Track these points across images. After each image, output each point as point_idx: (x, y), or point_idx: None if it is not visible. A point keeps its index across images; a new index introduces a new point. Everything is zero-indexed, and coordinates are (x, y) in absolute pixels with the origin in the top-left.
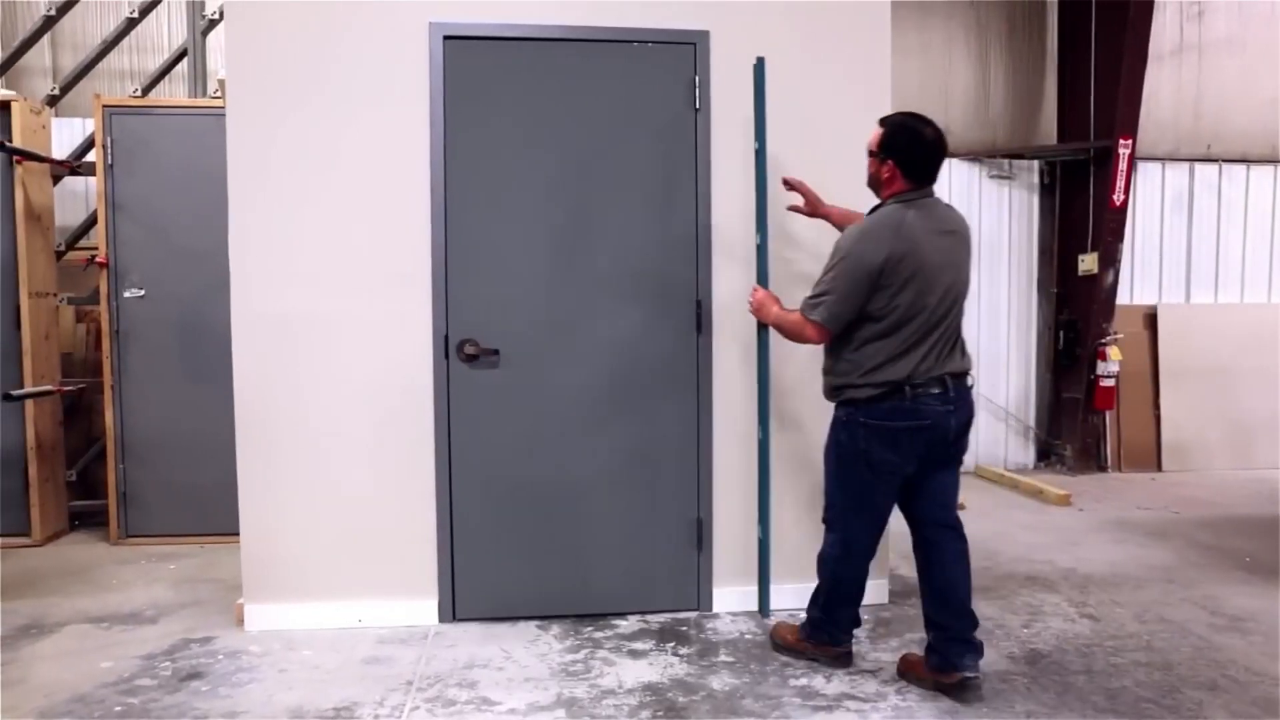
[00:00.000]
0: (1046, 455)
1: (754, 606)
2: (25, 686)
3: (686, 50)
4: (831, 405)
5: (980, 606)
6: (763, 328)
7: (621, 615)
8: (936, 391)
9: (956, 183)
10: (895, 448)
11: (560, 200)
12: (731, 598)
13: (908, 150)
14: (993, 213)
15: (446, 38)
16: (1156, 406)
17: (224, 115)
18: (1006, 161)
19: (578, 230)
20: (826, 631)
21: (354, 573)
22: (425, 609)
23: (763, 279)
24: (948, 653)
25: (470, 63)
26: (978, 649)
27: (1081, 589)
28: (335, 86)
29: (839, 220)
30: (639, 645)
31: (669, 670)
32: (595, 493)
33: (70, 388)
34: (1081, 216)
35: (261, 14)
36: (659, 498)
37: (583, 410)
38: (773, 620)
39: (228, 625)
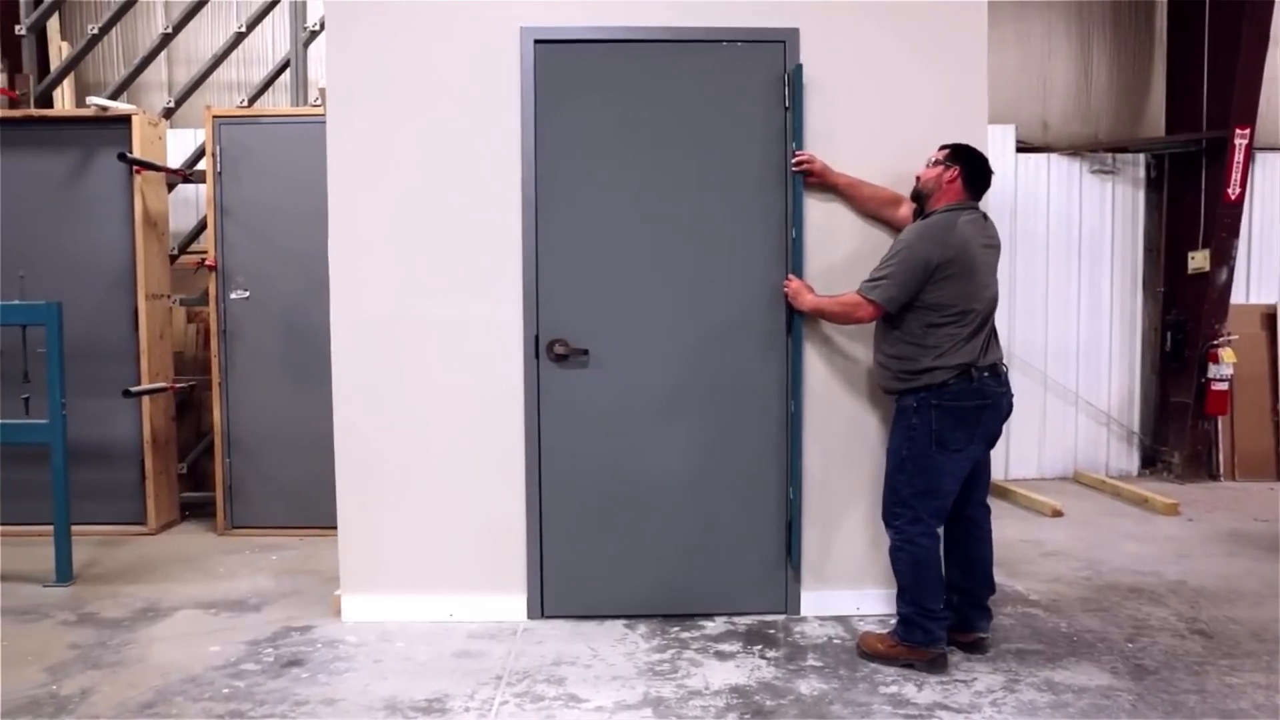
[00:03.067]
0: (1151, 462)
1: (844, 610)
2: (144, 666)
3: (776, 48)
4: (888, 400)
5: (1081, 618)
6: (794, 316)
7: (708, 616)
8: (990, 376)
9: (1055, 179)
10: (965, 426)
11: (648, 200)
12: (820, 601)
13: (975, 163)
14: (1094, 209)
15: (537, 41)
16: (1275, 412)
17: (324, 123)
18: (1109, 155)
19: (666, 230)
20: (921, 629)
21: (446, 568)
22: (514, 605)
23: (797, 270)
24: (970, 616)
25: (560, 66)
26: (990, 613)
27: (1192, 603)
28: (430, 93)
29: (845, 189)
30: (726, 647)
31: (756, 673)
32: (683, 493)
33: (182, 385)
34: (1192, 212)
35: (359, 25)
36: (748, 499)
37: (672, 410)
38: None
39: (326, 615)
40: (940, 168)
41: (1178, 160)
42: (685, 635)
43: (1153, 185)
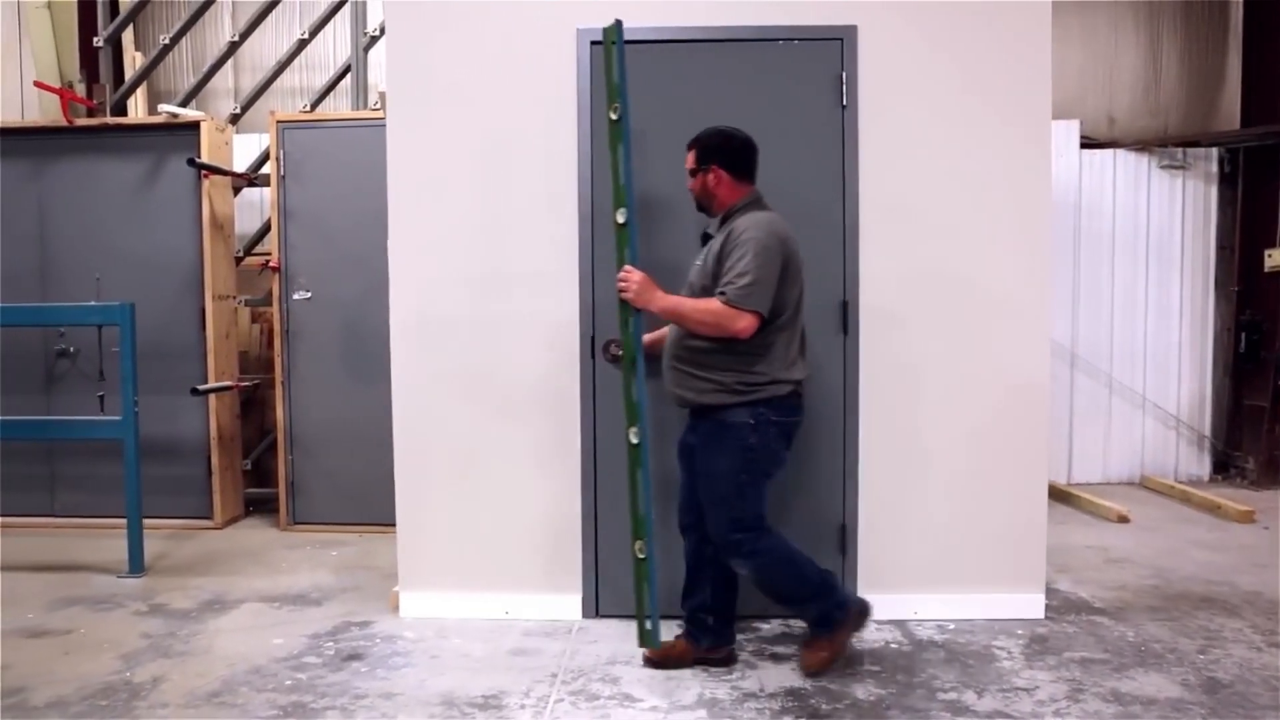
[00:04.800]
0: (1224, 467)
1: (901, 615)
2: (211, 656)
3: (833, 46)
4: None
5: (1148, 627)
6: (630, 315)
7: (763, 618)
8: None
9: (1122, 175)
10: (789, 444)
11: None
12: (876, 605)
13: (725, 151)
14: (1163, 206)
15: (593, 43)
16: None
17: (384, 126)
18: (1180, 150)
19: None
20: (834, 605)
21: (502, 566)
22: (569, 604)
23: (634, 260)
24: (724, 631)
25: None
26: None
27: (1269, 615)
28: (488, 95)
29: (665, 314)
30: (781, 649)
31: (811, 676)
32: None
33: (246, 383)
34: (1269, 207)
35: (418, 29)
36: (801, 501)
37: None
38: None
39: (384, 611)
40: (701, 175)
41: (1253, 154)
42: (740, 637)
43: (1226, 181)
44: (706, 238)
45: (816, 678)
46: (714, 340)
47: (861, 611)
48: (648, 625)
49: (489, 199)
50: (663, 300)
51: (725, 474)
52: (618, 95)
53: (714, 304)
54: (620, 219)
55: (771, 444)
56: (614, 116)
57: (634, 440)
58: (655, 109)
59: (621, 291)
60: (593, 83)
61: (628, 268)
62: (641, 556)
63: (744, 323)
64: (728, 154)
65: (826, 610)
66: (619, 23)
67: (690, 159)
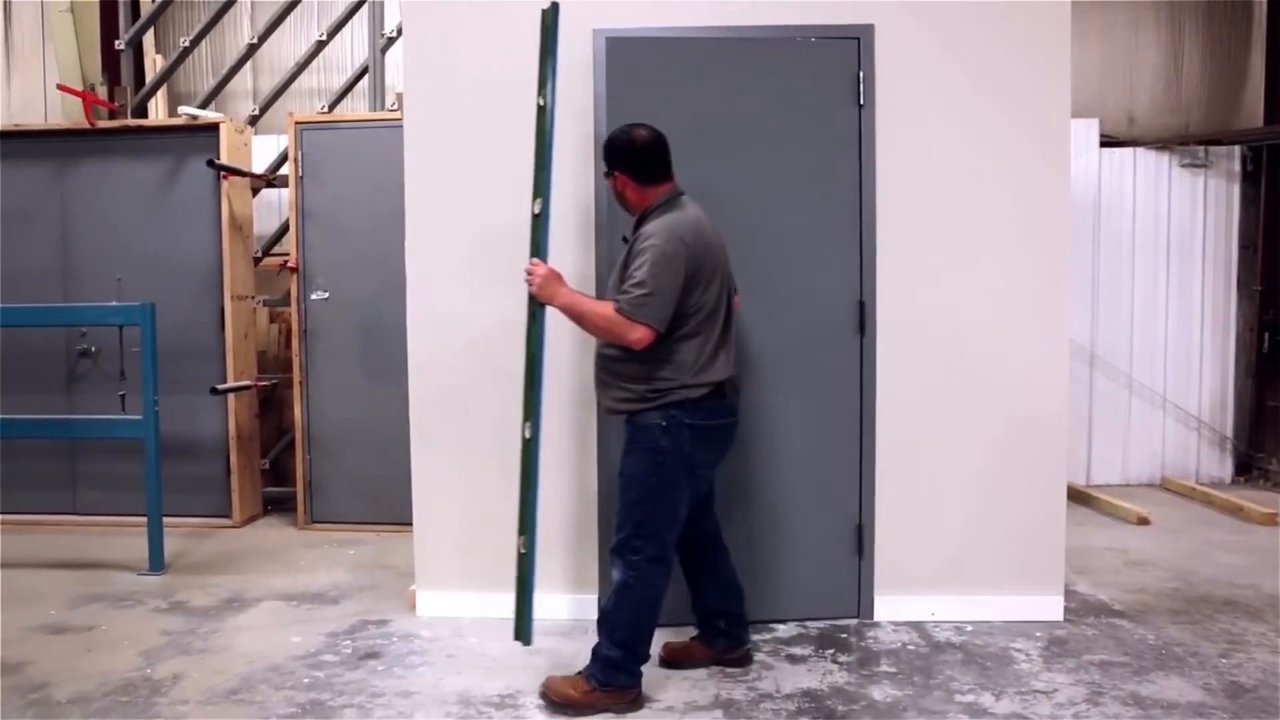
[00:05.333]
0: (1246, 469)
1: (919, 616)
2: (230, 654)
3: (850, 45)
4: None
5: (1169, 630)
6: (539, 309)
7: (781, 620)
8: (733, 391)
9: (1142, 174)
10: (714, 448)
11: (719, 198)
12: (894, 606)
13: (626, 155)
14: (1184, 205)
15: (609, 40)
16: None
17: (401, 127)
18: (1201, 148)
19: (737, 228)
20: (627, 672)
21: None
22: (586, 604)
23: (542, 253)
24: (739, 633)
25: (632, 69)
26: (747, 620)
27: None
28: (504, 96)
29: (566, 309)
30: (798, 650)
31: (828, 678)
32: (752, 496)
33: (265, 383)
34: None
35: (435, 30)
36: (818, 502)
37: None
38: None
39: (401, 610)
40: (610, 182)
41: (1277, 152)
42: (756, 638)
43: (1249, 179)
44: (625, 240)
45: (555, 707)
46: (622, 349)
47: (634, 702)
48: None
49: (505, 198)
50: (565, 296)
51: (636, 476)
52: (547, 82)
53: (609, 309)
54: (536, 209)
55: (684, 447)
56: (541, 103)
57: (527, 435)
58: (672, 109)
59: (527, 284)
60: (609, 82)
61: (534, 260)
62: (523, 552)
63: (636, 334)
64: (629, 159)
65: (625, 669)
66: (556, 6)
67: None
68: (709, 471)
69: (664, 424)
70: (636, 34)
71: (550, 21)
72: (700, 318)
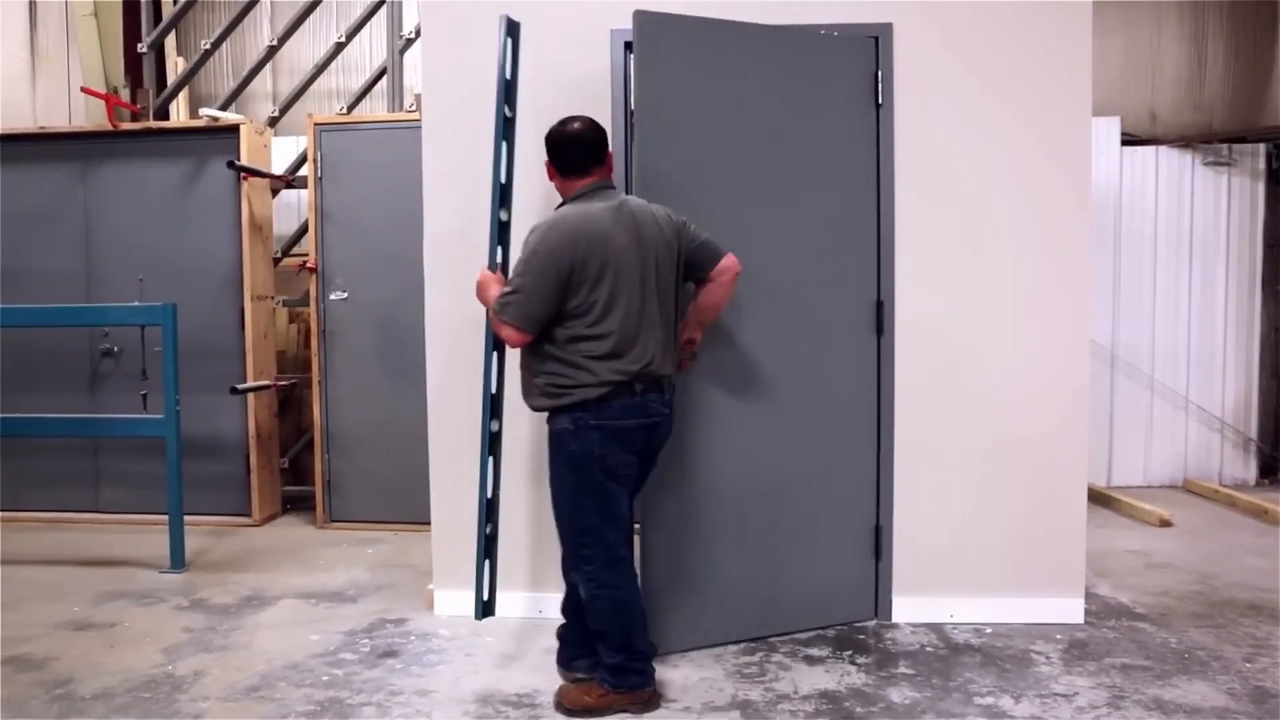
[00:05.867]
0: (1271, 471)
1: (938, 618)
2: (250, 651)
3: (868, 44)
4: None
5: (1192, 634)
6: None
7: (800, 626)
8: (653, 390)
9: (1164, 172)
10: (628, 448)
11: (736, 198)
12: (912, 607)
13: (551, 146)
14: (1207, 204)
15: (626, 44)
16: None
17: (419, 128)
18: (1225, 146)
19: (754, 229)
20: (636, 672)
21: (535, 566)
22: None
23: (493, 263)
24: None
25: (649, 67)
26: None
27: None
28: (522, 97)
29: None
30: (815, 651)
31: (846, 679)
32: (769, 496)
33: (284, 383)
34: None
35: (453, 31)
36: (835, 504)
37: (758, 414)
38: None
39: (419, 608)
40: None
41: None
42: (774, 639)
43: (1274, 177)
44: None
45: (566, 712)
46: (526, 350)
47: (648, 702)
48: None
49: (523, 199)
50: (485, 300)
51: (562, 486)
52: (509, 93)
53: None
54: (504, 217)
55: (595, 449)
56: (508, 114)
57: (494, 429)
58: (686, 108)
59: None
60: (626, 83)
61: (482, 269)
62: (488, 534)
63: (504, 333)
64: (552, 149)
65: (632, 669)
66: (514, 23)
67: None
68: (629, 471)
69: (571, 427)
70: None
71: (511, 33)
72: (592, 317)
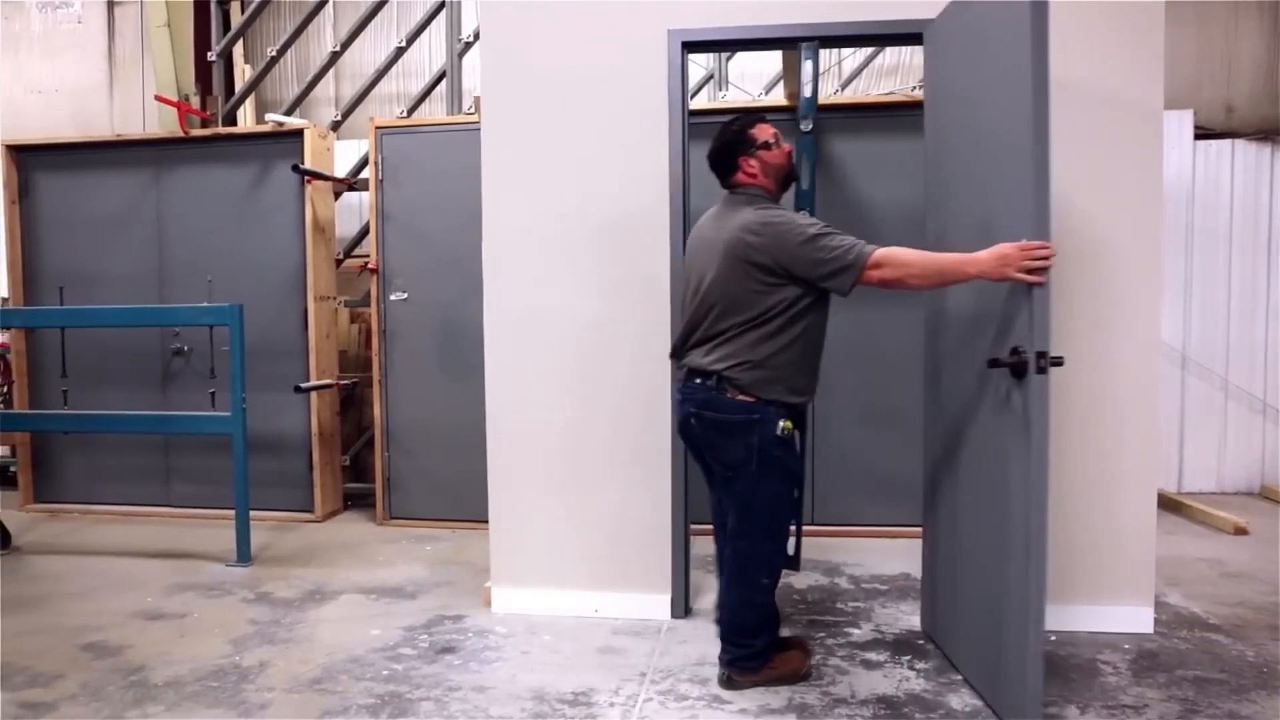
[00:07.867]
0: None
1: None
2: (313, 644)
3: (914, 40)
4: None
5: (1269, 647)
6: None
7: (855, 623)
8: (685, 379)
9: (1240, 167)
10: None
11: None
12: None
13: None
14: None
15: (684, 44)
16: None
17: (479, 130)
18: None
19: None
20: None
21: (592, 564)
22: (658, 604)
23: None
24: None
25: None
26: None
27: None
28: (580, 98)
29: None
30: (873, 655)
31: (904, 684)
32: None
33: (346, 382)
34: None
35: (512, 34)
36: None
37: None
38: None
39: (476, 606)
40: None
41: None
42: (831, 642)
43: None
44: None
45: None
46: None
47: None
48: None
49: (582, 201)
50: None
51: (745, 473)
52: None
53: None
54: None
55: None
56: (805, 129)
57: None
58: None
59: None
60: (684, 84)
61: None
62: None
63: (868, 274)
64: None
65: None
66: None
67: None
68: (703, 463)
69: (765, 418)
70: (708, 35)
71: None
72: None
